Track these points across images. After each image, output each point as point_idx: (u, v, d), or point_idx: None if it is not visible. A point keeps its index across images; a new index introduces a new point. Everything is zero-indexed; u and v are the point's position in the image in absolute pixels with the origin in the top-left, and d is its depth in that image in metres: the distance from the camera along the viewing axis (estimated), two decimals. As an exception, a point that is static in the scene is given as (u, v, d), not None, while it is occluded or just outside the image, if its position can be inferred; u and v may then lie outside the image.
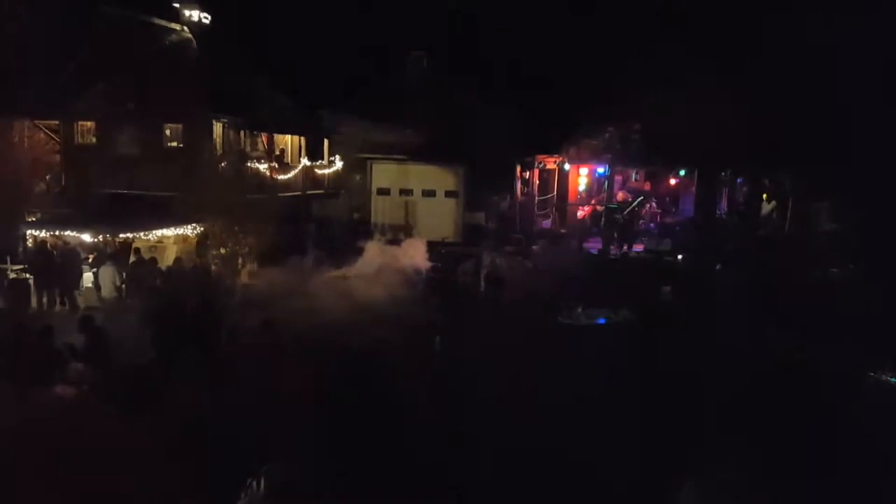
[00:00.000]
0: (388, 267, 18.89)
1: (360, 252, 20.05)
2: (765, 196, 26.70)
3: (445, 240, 25.52)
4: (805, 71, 19.11)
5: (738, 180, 28.09)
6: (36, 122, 22.45)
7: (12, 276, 17.18)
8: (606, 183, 26.11)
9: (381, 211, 28.20)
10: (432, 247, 21.89)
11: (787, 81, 19.92)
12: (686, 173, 26.79)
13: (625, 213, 24.57)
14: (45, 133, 22.82)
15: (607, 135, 25.35)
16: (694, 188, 26.44)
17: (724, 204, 27.71)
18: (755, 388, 8.69)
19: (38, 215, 20.52)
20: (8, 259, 17.80)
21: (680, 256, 21.60)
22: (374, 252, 20.09)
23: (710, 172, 25.96)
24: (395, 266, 19.05)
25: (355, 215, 28.12)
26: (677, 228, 25.08)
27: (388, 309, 14.35)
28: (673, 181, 27.63)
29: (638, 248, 23.28)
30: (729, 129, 19.53)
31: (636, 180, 28.46)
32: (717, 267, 19.57)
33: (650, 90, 20.79)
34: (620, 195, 26.28)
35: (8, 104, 19.80)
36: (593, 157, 26.09)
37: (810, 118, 19.49)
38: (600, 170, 26.78)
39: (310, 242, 21.92)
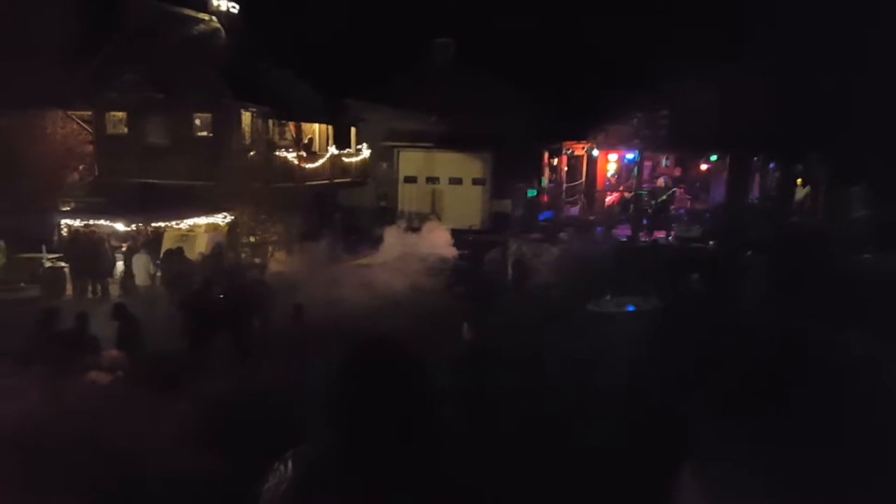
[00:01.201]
0: (413, 255, 18.93)
1: (385, 240, 20.11)
2: (799, 181, 26.22)
3: (472, 227, 25.49)
4: (840, 53, 18.68)
5: (771, 165, 27.62)
6: (69, 112, 22.80)
7: (48, 264, 17.53)
8: (636, 169, 25.84)
9: (408, 199, 28.25)
10: (458, 234, 21.88)
11: (821, 64, 19.50)
12: (717, 158, 26.41)
13: (658, 200, 24.30)
14: (78, 123, 23.18)
15: (636, 120, 25.04)
16: (725, 173, 26.05)
17: (756, 189, 27.29)
18: (784, 378, 8.54)
19: (72, 205, 20.88)
20: (44, 248, 18.15)
21: (710, 243, 21.31)
22: (398, 240, 20.14)
23: (742, 157, 25.56)
24: (419, 254, 19.09)
25: (382, 203, 28.20)
26: (708, 215, 24.75)
27: (414, 297, 14.39)
28: (704, 166, 27.26)
29: (664, 234, 23.03)
30: (761, 113, 19.18)
31: (666, 166, 28.16)
32: (749, 254, 19.27)
33: (680, 74, 20.48)
34: (660, 181, 26.00)
35: (41, 95, 20.12)
36: (622, 142, 25.81)
37: (845, 101, 19.06)
38: (629, 155, 26.51)
39: (337, 230, 22.06)
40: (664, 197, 24.77)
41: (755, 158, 26.61)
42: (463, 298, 15.43)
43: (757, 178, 27.64)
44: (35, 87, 18.62)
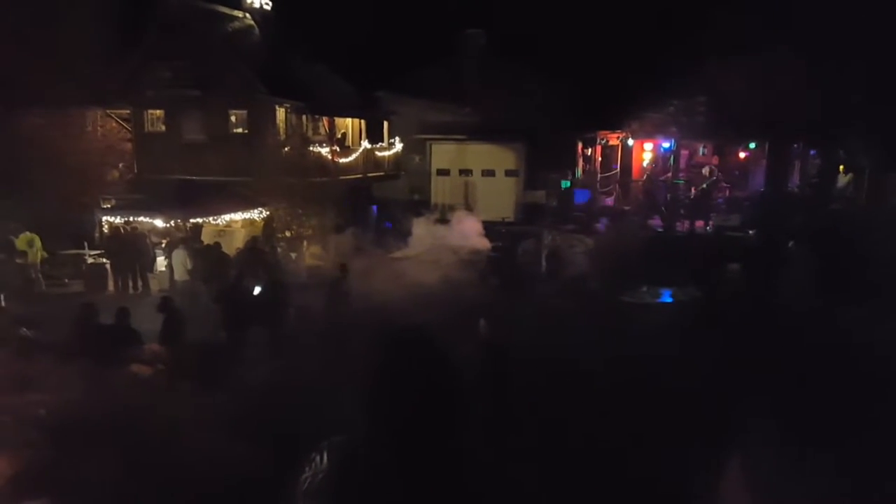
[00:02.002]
0: (446, 247, 18.92)
1: (418, 233, 20.14)
2: (841, 168, 25.58)
3: (505, 219, 25.41)
4: (883, 37, 18.14)
5: (812, 152, 26.99)
6: (108, 110, 23.26)
7: (90, 260, 17.94)
8: (672, 158, 25.48)
9: (441, 191, 28.26)
10: (491, 226, 21.83)
11: (863, 47, 18.96)
12: (756, 146, 25.90)
13: (701, 186, 23.93)
14: (117, 121, 23.64)
15: (672, 108, 24.66)
16: (764, 161, 25.54)
17: (796, 177, 26.72)
18: (823, 368, 8.37)
19: (113, 202, 21.31)
20: (85, 244, 18.57)
21: (750, 232, 20.93)
22: (432, 232, 20.14)
23: (782, 145, 25.02)
24: (453, 246, 19.07)
25: (415, 196, 28.25)
26: (747, 203, 24.31)
27: (448, 289, 14.38)
28: (742, 154, 26.77)
29: (701, 223, 22.68)
30: (802, 99, 18.74)
31: (703, 154, 27.72)
32: (789, 243, 18.88)
33: (717, 60, 20.10)
34: (705, 171, 25.61)
35: (81, 94, 20.55)
36: (658, 131, 25.46)
37: (887, 86, 18.52)
38: (665, 144, 26.14)
39: (371, 224, 22.17)
40: (704, 185, 24.39)
41: (795, 145, 26.04)
42: (497, 290, 15.41)
43: (797, 165, 27.05)
44: (75, 87, 19.03)
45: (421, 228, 20.47)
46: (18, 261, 15.89)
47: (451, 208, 24.12)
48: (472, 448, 1.82)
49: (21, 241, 16.77)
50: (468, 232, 20.43)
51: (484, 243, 20.33)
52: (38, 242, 17.03)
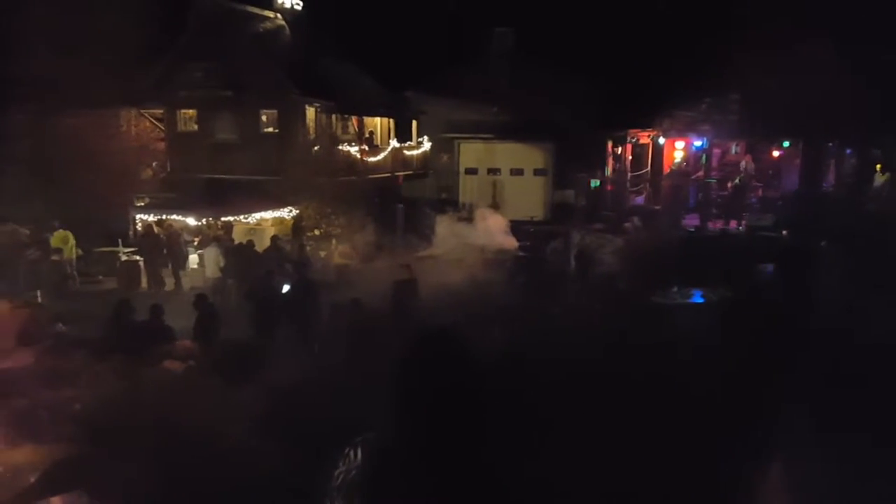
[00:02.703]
0: (472, 247, 18.89)
1: (444, 232, 20.13)
2: (877, 167, 25.03)
3: (534, 218, 25.30)
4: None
5: (847, 151, 26.44)
6: (141, 110, 23.63)
7: (124, 258, 18.24)
8: (704, 156, 25.15)
9: (469, 190, 28.22)
10: (519, 225, 21.75)
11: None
12: (790, 145, 25.45)
13: (735, 182, 23.59)
14: (151, 121, 24.02)
15: (705, 105, 24.32)
16: (798, 160, 25.09)
17: (831, 177, 26.20)
18: (861, 372, 8.17)
19: (146, 200, 21.65)
20: (119, 242, 18.89)
21: (783, 232, 20.57)
22: (456, 231, 20.12)
23: (817, 143, 24.55)
24: (479, 246, 19.03)
25: (443, 195, 28.26)
26: (780, 203, 23.89)
27: (475, 289, 14.33)
28: (776, 153, 26.32)
29: (734, 223, 22.35)
30: (837, 97, 18.36)
31: (736, 153, 27.31)
32: (823, 244, 18.52)
33: (750, 57, 19.78)
34: (743, 165, 25.22)
35: (116, 94, 20.91)
36: (690, 129, 25.13)
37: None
38: (697, 142, 25.80)
39: (399, 223, 22.23)
40: (738, 180, 24.02)
41: (830, 144, 25.54)
42: (525, 290, 15.34)
43: (832, 164, 26.53)
44: (110, 87, 19.36)
45: (446, 227, 20.47)
46: (54, 258, 16.20)
47: (475, 206, 24.02)
48: (499, 447, 1.82)
49: (56, 238, 17.10)
50: (493, 230, 20.38)
51: (510, 242, 20.27)
52: (72, 240, 17.36)
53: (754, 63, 19.69)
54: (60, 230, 17.26)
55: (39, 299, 14.02)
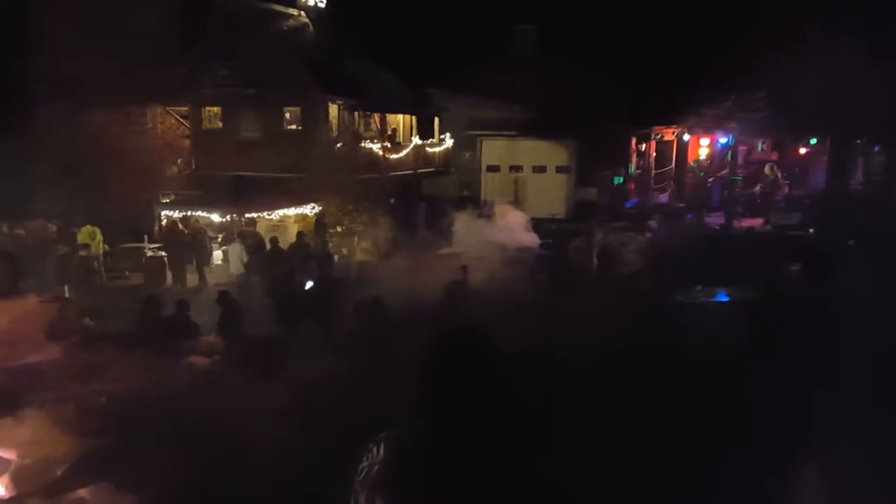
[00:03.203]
0: (493, 244, 18.84)
1: (465, 229, 20.10)
2: (907, 165, 24.59)
3: (556, 216, 25.18)
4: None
5: (876, 148, 26.00)
6: (167, 108, 23.89)
7: (150, 254, 18.45)
8: (730, 154, 24.87)
9: (491, 188, 28.15)
10: (541, 223, 21.66)
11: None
12: (817, 142, 25.09)
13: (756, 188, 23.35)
14: (176, 118, 24.27)
15: (731, 102, 24.03)
16: (826, 158, 24.72)
17: (859, 174, 25.78)
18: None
19: (172, 197, 21.88)
20: (146, 238, 19.12)
21: (810, 231, 20.30)
22: (477, 229, 20.08)
23: (845, 140, 24.17)
24: (500, 243, 18.98)
25: (465, 193, 28.23)
26: (807, 201, 23.57)
27: (496, 288, 14.30)
28: (802, 150, 25.97)
29: (758, 222, 22.08)
30: (865, 93, 18.05)
31: (762, 150, 26.98)
32: (851, 242, 18.23)
33: (777, 53, 19.50)
34: (767, 169, 24.93)
35: (142, 92, 21.16)
36: (716, 126, 24.85)
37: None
38: (723, 140, 25.52)
39: (420, 220, 22.25)
40: (769, 176, 23.72)
41: (858, 141, 25.12)
42: (547, 288, 15.28)
43: (860, 162, 26.11)
44: (136, 85, 19.60)
45: (467, 225, 20.42)
46: (81, 254, 16.43)
47: (494, 203, 23.90)
48: (523, 445, 1.82)
49: (83, 234, 17.34)
50: (513, 226, 20.31)
51: (532, 239, 20.19)
52: (99, 236, 17.59)
53: (781, 59, 19.42)
54: (88, 226, 17.50)
55: (67, 294, 14.24)
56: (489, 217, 21.32)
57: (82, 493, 5.16)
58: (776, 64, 19.76)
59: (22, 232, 17.31)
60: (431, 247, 19.66)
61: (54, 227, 17.78)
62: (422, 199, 25.55)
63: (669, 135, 26.28)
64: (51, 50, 17.14)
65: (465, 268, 13.62)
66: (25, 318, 8.15)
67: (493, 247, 18.65)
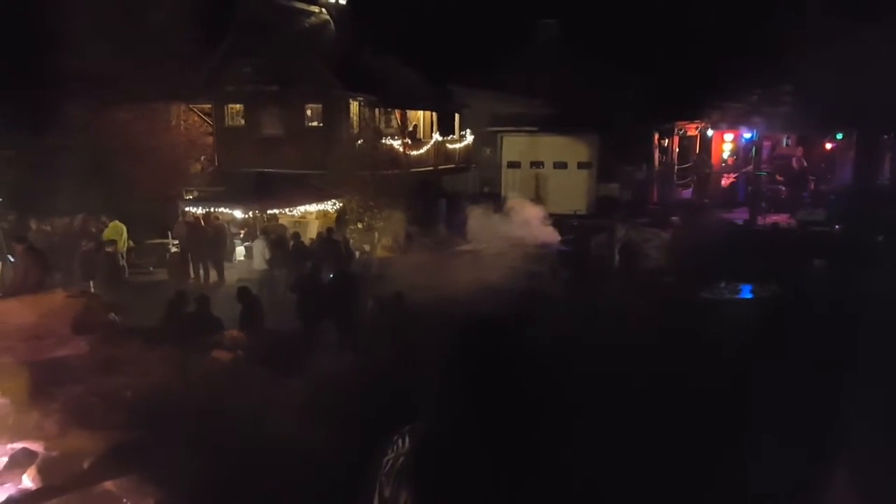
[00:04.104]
0: (513, 240, 18.80)
1: (484, 225, 20.05)
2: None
3: (577, 212, 25.05)
4: None
5: (904, 143, 25.56)
6: (191, 105, 24.10)
7: (174, 249, 18.62)
8: (754, 149, 24.56)
9: (512, 184, 28.06)
10: (562, 219, 21.56)
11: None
12: (843, 137, 24.72)
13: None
14: (199, 116, 24.48)
15: (755, 97, 23.73)
16: (852, 153, 24.34)
17: (886, 169, 25.36)
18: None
19: (195, 193, 22.07)
20: (170, 234, 19.30)
21: (836, 227, 19.99)
22: (496, 224, 20.01)
23: (872, 135, 23.77)
24: (519, 239, 18.93)
25: (485, 189, 28.18)
26: (832, 197, 23.22)
27: (517, 284, 14.27)
28: (828, 146, 25.60)
29: (783, 217, 21.79)
30: (893, 88, 17.73)
31: (787, 146, 26.63)
32: (879, 238, 17.93)
33: (803, 47, 19.22)
34: (794, 162, 24.61)
35: (166, 89, 21.36)
36: (740, 121, 24.56)
37: None
38: (747, 135, 25.22)
39: (441, 217, 22.24)
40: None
41: (885, 136, 24.69)
42: (568, 284, 15.21)
43: (888, 157, 25.67)
44: (161, 83, 19.78)
45: (488, 221, 20.35)
46: (107, 249, 16.62)
47: (513, 198, 23.72)
48: (547, 438, 1.82)
49: (110, 230, 17.54)
50: (532, 222, 20.22)
51: (551, 234, 20.10)
52: (125, 232, 17.79)
53: (807, 53, 19.14)
54: (115, 222, 17.70)
55: (93, 289, 14.41)
56: (507, 213, 21.23)
57: (108, 485, 5.22)
58: (802, 57, 19.48)
59: (49, 228, 17.55)
60: (451, 243, 19.69)
61: (80, 223, 18.01)
62: (442, 196, 25.54)
63: (692, 130, 26.02)
64: (78, 48, 17.35)
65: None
66: (53, 313, 8.26)
67: (513, 243, 18.62)
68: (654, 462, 5.99)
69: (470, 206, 21.34)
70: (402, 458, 1.81)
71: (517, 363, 1.82)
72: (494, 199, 26.21)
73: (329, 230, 18.03)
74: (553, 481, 1.78)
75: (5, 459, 5.76)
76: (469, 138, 27.92)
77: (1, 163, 20.28)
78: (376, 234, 20.29)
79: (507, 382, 1.78)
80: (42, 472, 5.51)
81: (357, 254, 18.44)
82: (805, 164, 25.13)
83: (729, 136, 25.75)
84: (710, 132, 25.37)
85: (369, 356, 8.02)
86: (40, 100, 19.07)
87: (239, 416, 5.69)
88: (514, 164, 28.73)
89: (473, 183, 28.44)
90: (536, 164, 28.38)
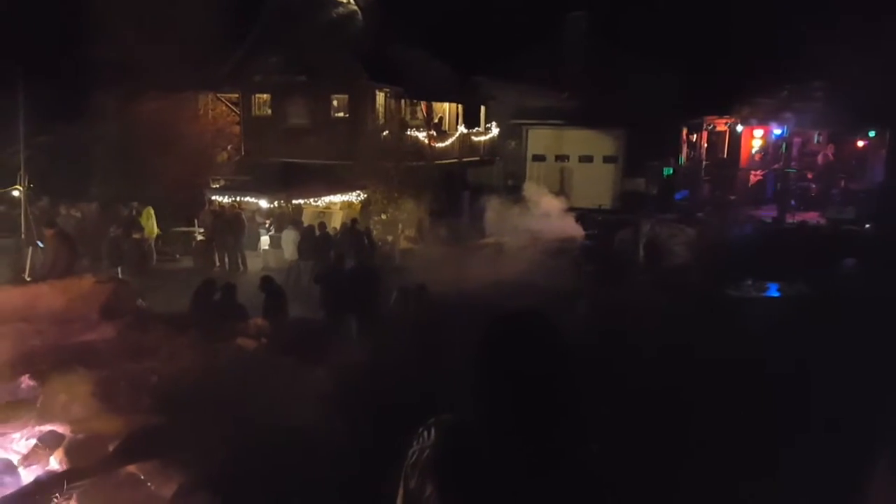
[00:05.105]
0: (539, 234, 18.72)
1: (510, 219, 19.99)
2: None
3: (602, 207, 24.87)
4: None
5: (941, 141, 24.96)
6: (218, 95, 24.27)
7: (200, 238, 18.83)
8: (784, 145, 24.16)
9: (536, 177, 27.94)
10: (587, 213, 21.43)
11: None
12: (876, 134, 24.20)
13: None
14: (227, 105, 24.66)
15: (786, 92, 23.32)
16: (884, 150, 23.84)
17: (921, 168, 24.78)
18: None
19: (221, 182, 22.27)
20: (196, 222, 19.51)
21: (867, 225, 19.63)
22: (523, 219, 19.94)
23: (906, 133, 23.26)
24: (545, 233, 18.84)
25: (510, 182, 28.07)
26: (863, 195, 22.78)
27: (541, 277, 14.21)
28: (860, 143, 25.08)
29: (813, 215, 21.42)
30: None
31: (818, 142, 26.12)
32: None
33: (835, 41, 18.84)
34: (820, 158, 24.17)
35: (194, 79, 21.54)
36: (770, 117, 24.16)
37: None
38: (777, 131, 24.80)
39: (465, 209, 22.21)
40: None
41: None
42: (592, 279, 15.11)
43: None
44: (190, 72, 19.95)
45: (507, 213, 20.26)
46: (135, 236, 16.85)
47: (535, 192, 23.48)
48: (576, 434, 1.80)
49: (143, 216, 17.79)
50: (556, 215, 20.13)
51: (575, 229, 19.99)
52: (153, 219, 18.02)
53: (840, 48, 18.77)
54: (146, 208, 17.93)
55: (120, 276, 14.62)
56: (530, 206, 21.11)
57: (132, 468, 5.28)
58: (834, 53, 19.12)
59: (78, 214, 17.82)
60: (474, 236, 19.66)
61: (110, 210, 18.26)
62: (466, 188, 25.49)
63: (722, 125, 25.63)
64: (108, 38, 17.55)
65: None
66: (81, 297, 8.39)
67: (536, 236, 18.55)
68: (678, 458, 5.94)
69: (494, 199, 21.30)
70: (427, 451, 1.81)
71: (543, 357, 1.81)
72: (518, 193, 26.12)
73: (353, 221, 18.09)
74: (578, 476, 1.76)
75: (34, 441, 5.87)
76: (494, 131, 27.82)
77: (33, 150, 20.63)
78: (400, 226, 20.33)
79: (533, 376, 1.77)
80: (69, 453, 5.60)
81: (380, 245, 18.49)
82: (835, 160, 24.64)
83: (759, 133, 25.32)
84: (739, 128, 24.97)
85: (392, 347, 8.03)
86: (71, 88, 19.33)
87: (262, 403, 5.74)
88: (539, 158, 28.59)
89: (498, 176, 28.35)
90: (562, 158, 28.21)
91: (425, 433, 1.84)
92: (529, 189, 25.94)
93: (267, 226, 19.91)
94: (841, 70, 19.76)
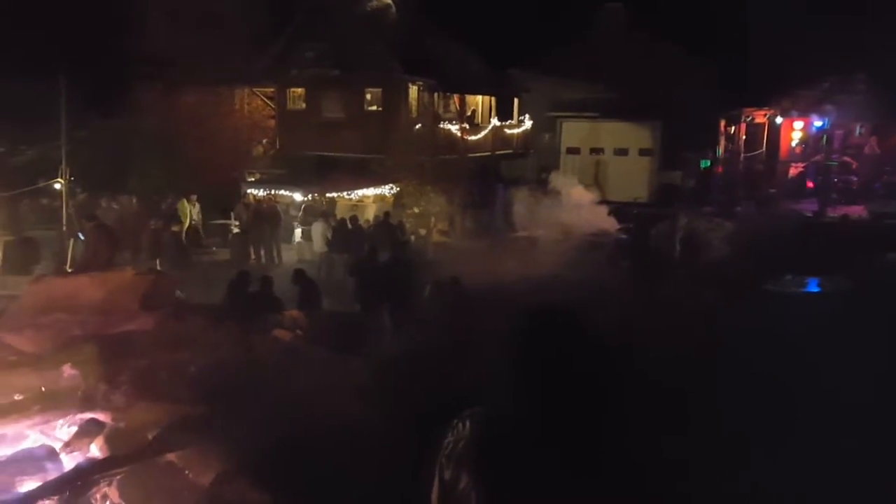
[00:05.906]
0: (572, 227, 18.58)
1: (543, 212, 19.86)
2: None
3: (637, 200, 24.57)
4: None
5: None
6: (254, 89, 24.51)
7: (236, 230, 19.04)
8: (825, 138, 23.63)
9: (570, 171, 27.67)
10: (622, 207, 21.20)
11: None
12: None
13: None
14: (262, 99, 24.89)
15: (828, 84, 22.78)
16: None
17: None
18: None
19: (257, 175, 22.51)
20: (232, 215, 19.74)
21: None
22: (556, 212, 19.79)
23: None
24: (579, 226, 18.69)
25: (543, 175, 27.85)
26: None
27: (575, 271, 14.10)
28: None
29: (856, 209, 20.92)
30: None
31: (860, 134, 25.51)
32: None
33: (878, 33, 18.33)
34: (867, 149, 23.62)
35: (231, 73, 21.77)
36: (811, 109, 23.63)
37: None
38: (818, 123, 24.26)
39: (498, 203, 22.11)
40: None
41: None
42: (628, 273, 14.97)
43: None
44: (227, 67, 20.17)
45: (541, 206, 20.11)
46: (174, 228, 17.10)
47: (563, 184, 23.18)
48: (612, 428, 1.79)
49: (181, 210, 18.07)
50: (587, 207, 19.95)
51: (609, 222, 19.79)
52: (191, 212, 18.29)
53: (883, 39, 18.25)
54: (184, 201, 18.20)
55: (159, 267, 14.86)
56: (563, 200, 20.93)
57: (171, 457, 5.37)
58: (877, 44, 18.60)
59: (117, 206, 18.15)
60: (507, 229, 19.58)
61: (148, 203, 18.58)
62: (499, 182, 25.37)
63: (761, 117, 25.17)
64: (147, 32, 17.82)
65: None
66: (121, 289, 8.51)
67: (570, 230, 18.42)
68: (712, 453, 5.88)
69: (527, 193, 21.17)
70: (462, 442, 1.81)
71: (578, 351, 1.79)
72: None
73: (386, 214, 18.13)
74: (614, 470, 1.75)
75: (75, 429, 6.00)
76: (528, 123, 27.63)
77: (74, 143, 21.07)
78: (432, 219, 20.32)
79: (569, 370, 1.76)
80: (109, 441, 5.71)
81: (413, 238, 18.51)
82: (879, 153, 24.03)
83: (798, 125, 24.83)
84: (778, 120, 24.48)
85: (426, 340, 8.05)
86: (111, 82, 19.69)
87: (298, 394, 5.79)
88: (573, 151, 28.32)
89: (532, 169, 28.15)
90: (596, 151, 27.92)
91: (460, 425, 1.84)
92: (560, 181, 25.77)
93: (301, 218, 20.06)
94: (884, 61, 19.25)
